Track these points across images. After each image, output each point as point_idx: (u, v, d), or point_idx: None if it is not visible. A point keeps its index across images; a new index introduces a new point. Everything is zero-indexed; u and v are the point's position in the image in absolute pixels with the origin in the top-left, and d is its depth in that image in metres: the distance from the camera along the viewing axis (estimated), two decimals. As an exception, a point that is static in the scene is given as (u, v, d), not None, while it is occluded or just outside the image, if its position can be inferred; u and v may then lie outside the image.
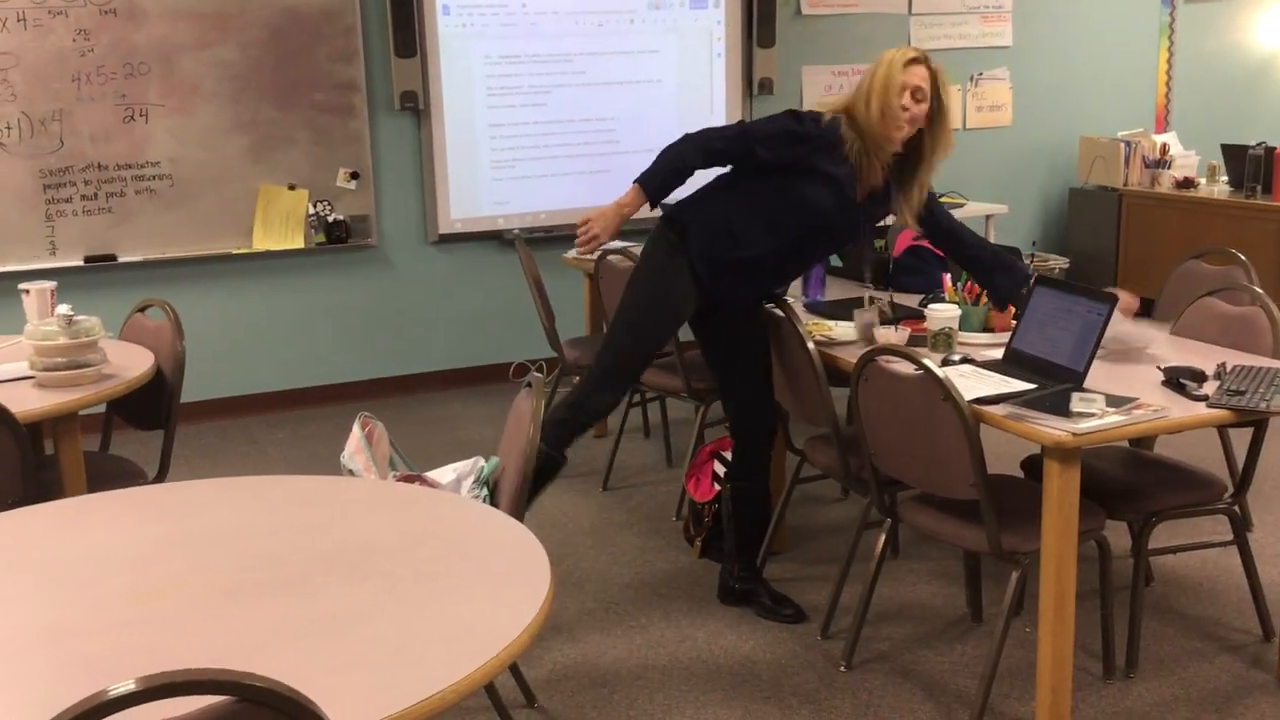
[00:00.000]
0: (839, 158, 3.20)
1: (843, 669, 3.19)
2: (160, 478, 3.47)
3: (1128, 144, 6.78)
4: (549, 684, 3.16)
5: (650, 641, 3.37)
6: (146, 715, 1.29)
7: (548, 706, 3.06)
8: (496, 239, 5.97)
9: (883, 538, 3.22)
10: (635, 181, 3.23)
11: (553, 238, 5.96)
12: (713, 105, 6.24)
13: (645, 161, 3.23)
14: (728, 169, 3.35)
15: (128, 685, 1.27)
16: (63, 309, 3.10)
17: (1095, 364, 2.91)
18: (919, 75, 3.16)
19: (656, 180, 3.22)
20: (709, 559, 3.89)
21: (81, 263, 5.21)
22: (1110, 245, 6.85)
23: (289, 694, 1.33)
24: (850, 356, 3.16)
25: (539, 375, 2.59)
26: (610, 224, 3.22)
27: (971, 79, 6.83)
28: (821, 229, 3.30)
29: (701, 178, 3.33)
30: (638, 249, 4.68)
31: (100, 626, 1.75)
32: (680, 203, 3.38)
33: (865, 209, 3.34)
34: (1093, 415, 2.61)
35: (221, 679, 1.30)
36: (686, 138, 3.26)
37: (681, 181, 3.25)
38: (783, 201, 3.25)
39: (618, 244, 4.77)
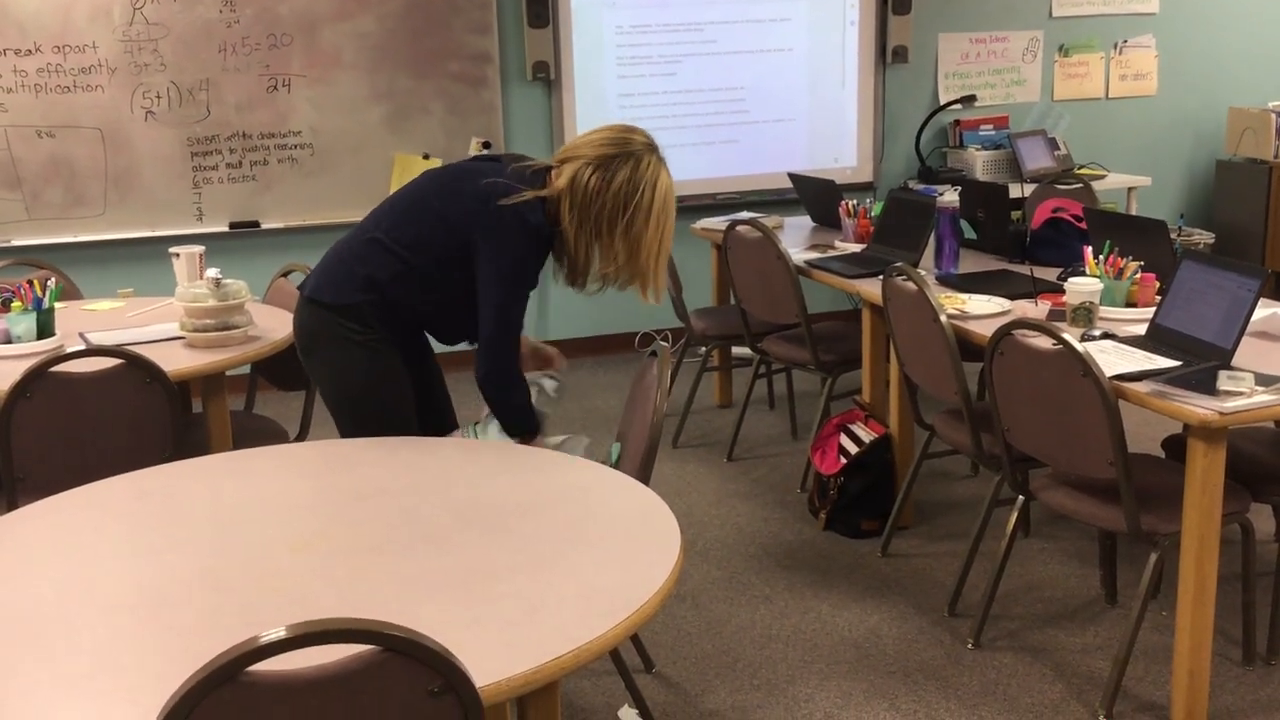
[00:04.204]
0: None
1: (970, 646, 3.15)
2: (301, 437, 3.58)
3: (1279, 115, 6.50)
4: (672, 650, 3.19)
5: (774, 612, 3.37)
6: (296, 660, 1.34)
7: (671, 673, 3.08)
8: (624, 209, 5.98)
9: (1015, 515, 3.17)
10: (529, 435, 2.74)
11: (681, 208, 5.93)
12: (844, 74, 6.15)
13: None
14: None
15: (279, 632, 1.32)
16: (212, 272, 3.20)
17: (1243, 341, 2.81)
18: None
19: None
20: (834, 532, 3.87)
21: (226, 228, 5.39)
22: (1259, 220, 6.58)
23: (432, 646, 1.37)
24: (984, 330, 3.10)
25: (665, 345, 2.61)
26: None
27: (1115, 46, 6.61)
28: None
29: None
30: (767, 219, 4.68)
31: (253, 575, 1.82)
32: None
33: None
34: (1241, 394, 2.53)
35: (369, 629, 1.34)
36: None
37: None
38: None
39: (746, 214, 4.76)
